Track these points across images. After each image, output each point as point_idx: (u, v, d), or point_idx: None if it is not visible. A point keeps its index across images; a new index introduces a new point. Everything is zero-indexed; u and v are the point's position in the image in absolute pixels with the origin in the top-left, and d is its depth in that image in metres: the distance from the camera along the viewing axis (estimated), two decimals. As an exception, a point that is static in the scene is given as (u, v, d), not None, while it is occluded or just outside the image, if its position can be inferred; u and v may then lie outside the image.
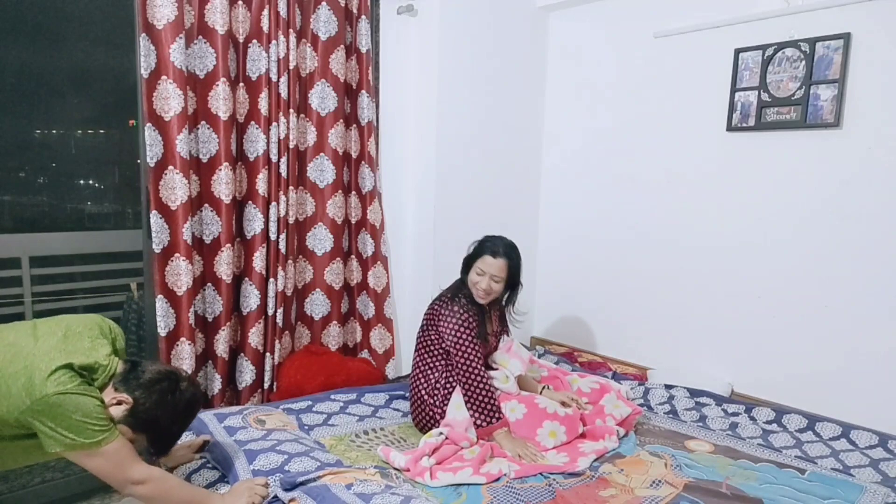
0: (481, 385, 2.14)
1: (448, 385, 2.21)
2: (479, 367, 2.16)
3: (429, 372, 2.26)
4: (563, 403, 2.29)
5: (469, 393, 2.15)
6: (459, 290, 2.27)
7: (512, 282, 2.26)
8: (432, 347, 2.26)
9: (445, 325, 2.20)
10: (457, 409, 2.16)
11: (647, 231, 2.90)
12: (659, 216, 2.84)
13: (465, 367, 2.16)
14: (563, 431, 2.15)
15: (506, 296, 2.34)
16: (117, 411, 1.50)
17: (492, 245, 2.22)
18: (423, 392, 2.25)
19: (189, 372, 1.90)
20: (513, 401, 2.20)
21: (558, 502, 1.78)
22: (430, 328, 2.27)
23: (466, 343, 2.16)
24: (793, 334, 2.46)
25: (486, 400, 2.13)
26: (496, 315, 2.39)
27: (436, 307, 2.27)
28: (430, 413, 2.22)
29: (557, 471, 1.96)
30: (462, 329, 2.17)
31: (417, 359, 2.31)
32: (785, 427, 2.30)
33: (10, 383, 1.40)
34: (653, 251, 2.88)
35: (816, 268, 2.39)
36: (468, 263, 2.27)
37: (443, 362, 2.25)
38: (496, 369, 2.30)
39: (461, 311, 2.20)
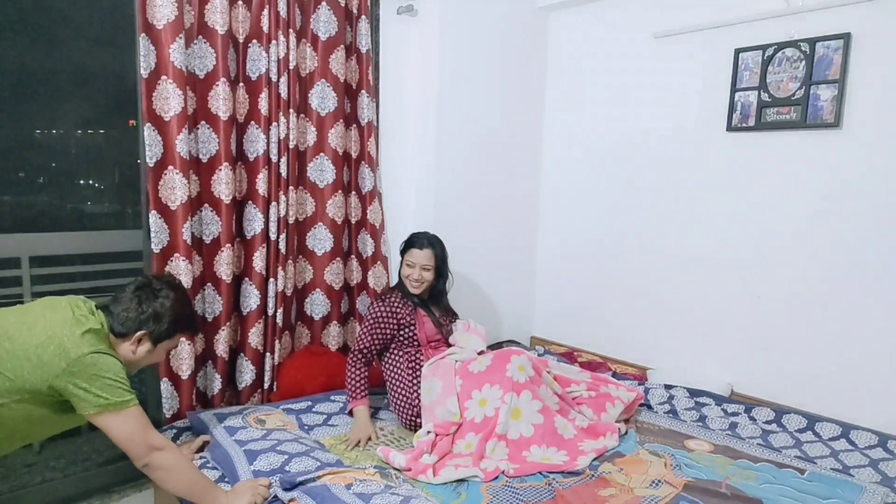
0: (350, 370, 2.33)
1: (416, 375, 2.30)
2: (354, 353, 2.36)
3: (395, 372, 2.35)
4: None
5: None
6: (392, 289, 2.48)
7: (440, 270, 2.46)
8: (390, 347, 2.40)
9: (366, 316, 2.43)
10: (428, 393, 2.21)
11: (646, 231, 2.90)
12: (658, 216, 2.84)
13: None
14: (531, 366, 2.19)
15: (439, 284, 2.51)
16: (144, 348, 1.66)
17: (417, 239, 2.45)
18: (397, 393, 2.31)
19: (148, 274, 2.03)
20: (479, 358, 2.27)
21: (558, 502, 1.78)
22: None
23: (363, 334, 2.38)
24: (793, 334, 2.46)
25: (349, 383, 2.32)
26: (440, 306, 2.52)
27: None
28: (413, 409, 2.27)
29: (557, 469, 1.96)
30: (370, 322, 2.38)
31: (384, 366, 2.41)
32: (784, 427, 2.30)
33: (40, 353, 1.48)
34: (652, 251, 2.88)
35: (816, 268, 2.39)
36: (402, 255, 2.47)
37: (404, 357, 2.36)
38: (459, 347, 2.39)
39: (380, 306, 2.39)
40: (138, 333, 1.64)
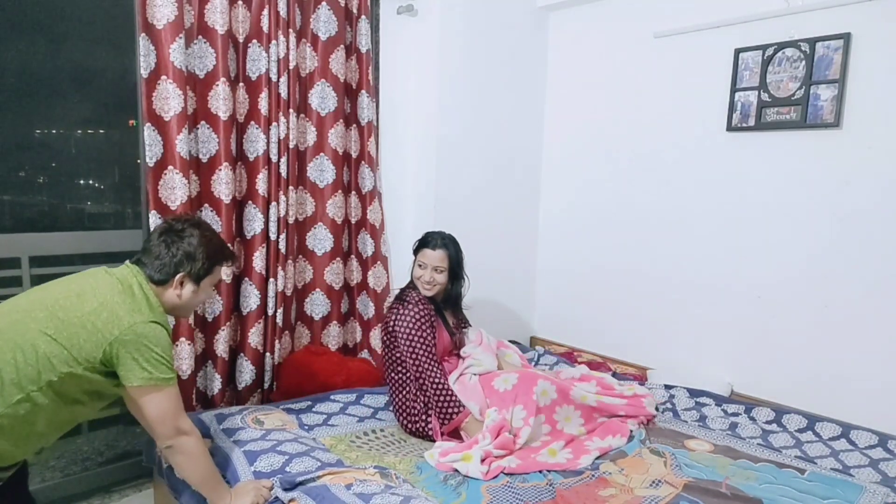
0: (437, 387, 2.19)
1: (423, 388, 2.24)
2: (432, 368, 2.21)
3: (405, 385, 2.27)
4: None
5: (427, 397, 2.20)
6: (409, 292, 2.35)
7: (454, 272, 2.36)
8: (402, 359, 2.28)
9: (399, 329, 2.25)
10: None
11: (646, 231, 2.90)
12: (659, 216, 2.84)
13: (418, 372, 2.22)
14: (554, 390, 2.18)
15: (451, 287, 2.40)
16: (188, 290, 1.66)
17: (430, 239, 2.35)
18: (405, 406, 2.26)
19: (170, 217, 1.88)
20: (502, 375, 2.24)
21: (558, 502, 1.78)
22: (392, 339, 2.30)
23: (418, 345, 2.22)
24: (793, 334, 2.46)
25: (445, 399, 2.18)
26: (450, 310, 2.45)
27: (389, 316, 2.32)
28: (413, 418, 2.24)
29: (558, 468, 1.97)
30: (413, 331, 2.23)
31: (390, 373, 2.31)
32: (785, 427, 2.30)
33: (94, 319, 1.48)
34: (652, 251, 2.88)
35: (816, 268, 2.39)
36: (414, 255, 2.37)
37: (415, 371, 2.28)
38: (466, 358, 2.36)
39: (413, 309, 2.26)
40: (178, 276, 1.63)
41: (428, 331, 2.25)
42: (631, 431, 2.23)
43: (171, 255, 1.63)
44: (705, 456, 2.10)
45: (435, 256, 2.31)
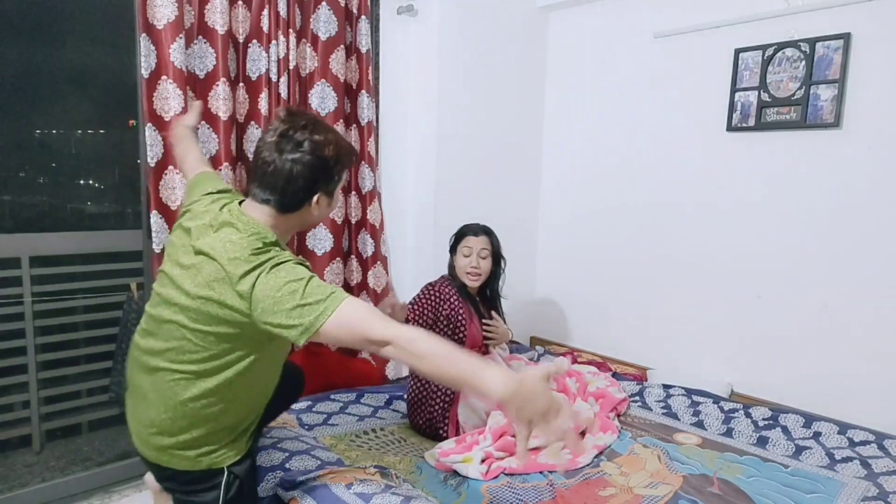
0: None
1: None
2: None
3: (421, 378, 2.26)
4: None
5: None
6: (439, 280, 2.35)
7: (496, 257, 2.38)
8: None
9: (410, 303, 2.26)
10: (472, 414, 2.18)
11: (646, 231, 2.90)
12: (659, 216, 2.85)
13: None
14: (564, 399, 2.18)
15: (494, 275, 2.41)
16: (324, 206, 1.49)
17: (469, 228, 2.37)
18: (422, 394, 2.25)
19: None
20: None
21: (558, 502, 1.79)
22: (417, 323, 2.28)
23: (414, 317, 2.20)
24: (793, 334, 2.46)
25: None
26: (486, 308, 2.43)
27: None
28: (425, 415, 2.23)
29: (559, 468, 1.97)
30: (415, 305, 2.23)
31: None
32: (779, 424, 2.31)
33: None
34: (652, 251, 2.88)
35: (816, 267, 2.39)
36: (453, 250, 2.38)
37: None
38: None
39: (430, 289, 2.27)
40: (315, 197, 1.44)
41: (428, 311, 2.23)
42: (619, 427, 2.26)
43: (295, 173, 1.38)
44: (694, 450, 2.13)
45: (478, 241, 2.32)
